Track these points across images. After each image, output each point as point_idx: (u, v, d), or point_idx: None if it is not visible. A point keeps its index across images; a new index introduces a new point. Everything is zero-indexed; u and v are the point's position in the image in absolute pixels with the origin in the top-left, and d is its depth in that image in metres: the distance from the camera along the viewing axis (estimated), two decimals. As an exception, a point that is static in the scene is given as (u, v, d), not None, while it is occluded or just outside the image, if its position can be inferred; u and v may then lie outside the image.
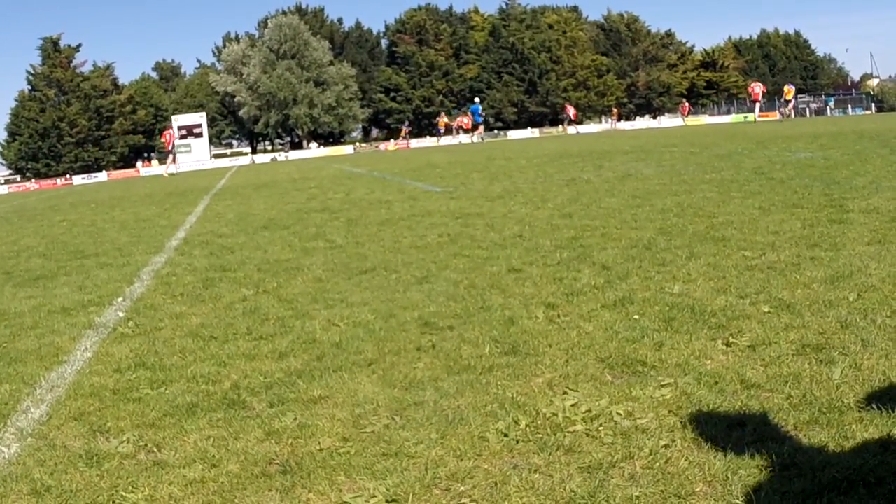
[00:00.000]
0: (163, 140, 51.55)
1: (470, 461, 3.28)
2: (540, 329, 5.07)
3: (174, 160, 45.59)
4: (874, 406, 3.49)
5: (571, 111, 61.83)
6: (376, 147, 64.91)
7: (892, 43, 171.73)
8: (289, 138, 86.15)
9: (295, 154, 68.55)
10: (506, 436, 3.48)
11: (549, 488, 3.04)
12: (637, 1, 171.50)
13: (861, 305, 5.11)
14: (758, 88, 57.44)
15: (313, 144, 75.48)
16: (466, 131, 56.93)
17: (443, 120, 61.59)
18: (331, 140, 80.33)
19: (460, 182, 16.47)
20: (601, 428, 3.48)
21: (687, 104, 69.54)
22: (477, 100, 58.86)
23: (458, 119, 59.56)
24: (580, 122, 64.70)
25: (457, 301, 5.96)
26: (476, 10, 78.43)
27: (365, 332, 5.35)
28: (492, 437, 3.47)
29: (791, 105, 58.34)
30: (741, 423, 3.41)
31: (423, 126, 70.48)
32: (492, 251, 7.97)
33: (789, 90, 58.15)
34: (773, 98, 68.14)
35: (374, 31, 77.40)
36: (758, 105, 57.71)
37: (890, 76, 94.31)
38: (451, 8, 77.42)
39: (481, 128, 53.85)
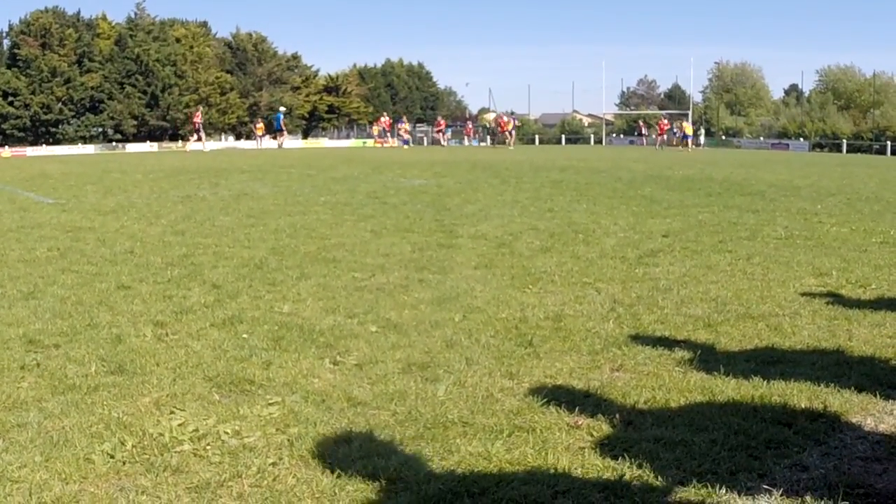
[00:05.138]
0: None
1: (76, 484, 3.16)
2: (148, 347, 4.98)
3: None
4: (477, 421, 3.71)
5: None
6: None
7: (508, 80, 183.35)
8: None
9: None
10: (112, 457, 3.37)
11: (156, 509, 2.99)
12: (266, 21, 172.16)
13: (466, 326, 5.43)
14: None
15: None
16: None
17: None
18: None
19: (73, 194, 15.72)
20: (209, 447, 3.46)
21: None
22: (283, 109, 58.42)
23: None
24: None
25: (63, 318, 5.71)
26: (104, 17, 74.82)
27: (-35, 350, 4.99)
28: (98, 459, 3.35)
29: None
30: (348, 439, 3.51)
31: (41, 134, 66.38)
32: (101, 267, 7.70)
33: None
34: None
35: (-2, 31, 71.71)
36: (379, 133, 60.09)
37: (506, 111, 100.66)
38: (79, 12, 73.23)
39: (285, 134, 54.07)
